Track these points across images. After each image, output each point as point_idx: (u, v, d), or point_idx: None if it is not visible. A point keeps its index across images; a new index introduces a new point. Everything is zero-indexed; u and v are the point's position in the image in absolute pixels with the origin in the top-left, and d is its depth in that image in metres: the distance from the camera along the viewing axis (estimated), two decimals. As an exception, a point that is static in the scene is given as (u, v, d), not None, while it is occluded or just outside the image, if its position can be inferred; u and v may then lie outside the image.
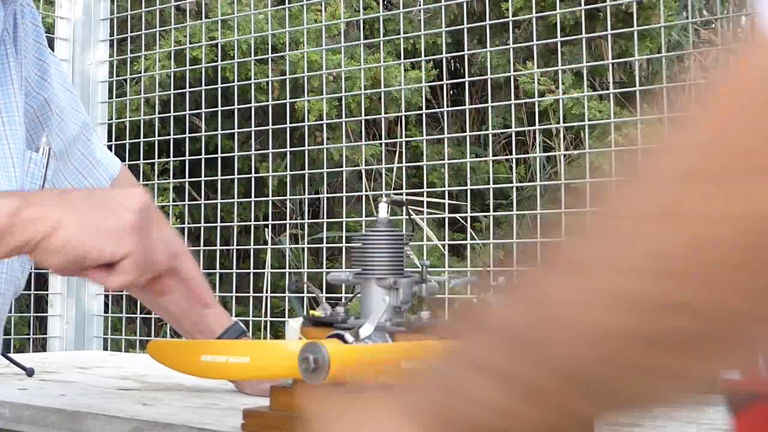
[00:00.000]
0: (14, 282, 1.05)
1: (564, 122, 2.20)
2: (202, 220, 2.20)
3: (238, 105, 2.19)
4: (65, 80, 1.22)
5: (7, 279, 1.04)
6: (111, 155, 1.35)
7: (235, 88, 2.19)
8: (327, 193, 2.62)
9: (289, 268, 2.41)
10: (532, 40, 1.88)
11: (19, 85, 1.07)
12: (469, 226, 2.07)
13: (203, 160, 2.18)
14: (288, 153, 2.15)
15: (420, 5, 2.64)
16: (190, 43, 2.31)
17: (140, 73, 2.42)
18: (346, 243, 2.04)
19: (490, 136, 2.33)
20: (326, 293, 1.37)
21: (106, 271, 0.85)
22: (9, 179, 1.02)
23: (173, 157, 2.22)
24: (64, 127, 1.19)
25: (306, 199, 2.25)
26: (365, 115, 2.18)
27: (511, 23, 2.20)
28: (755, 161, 0.36)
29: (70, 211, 0.84)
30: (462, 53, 1.97)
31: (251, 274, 2.10)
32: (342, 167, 2.29)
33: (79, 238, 0.83)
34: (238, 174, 2.20)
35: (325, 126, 2.24)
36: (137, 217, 0.86)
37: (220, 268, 2.12)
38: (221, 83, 2.19)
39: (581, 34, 1.80)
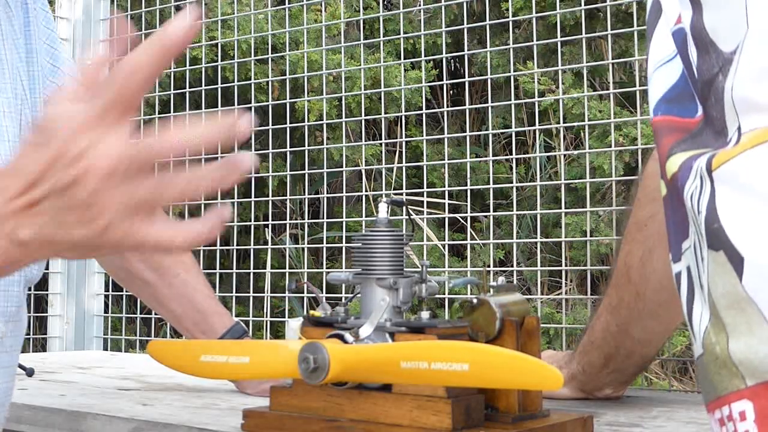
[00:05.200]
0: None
1: (564, 122, 2.20)
2: (202, 220, 2.20)
3: (238, 105, 2.19)
4: (72, 69, 1.22)
5: None
6: None
7: (235, 88, 2.19)
8: (327, 193, 2.62)
9: (289, 268, 2.41)
10: (532, 40, 1.88)
11: (25, 66, 1.06)
12: (469, 226, 2.07)
13: (203, 160, 2.18)
14: (288, 153, 2.15)
15: (420, 5, 2.64)
16: (190, 43, 2.31)
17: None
18: (346, 243, 2.04)
19: (490, 136, 2.33)
20: (326, 293, 1.37)
21: None
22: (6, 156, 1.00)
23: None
24: None
25: (306, 199, 2.25)
26: (365, 115, 2.18)
27: (511, 23, 2.20)
28: None
29: None
30: (462, 53, 1.97)
31: (251, 274, 2.11)
32: (342, 167, 2.29)
33: None
34: (238, 174, 2.19)
35: (325, 126, 2.24)
36: None
37: (220, 268, 2.12)
38: (221, 83, 2.19)
39: (581, 34, 1.79)
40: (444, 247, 2.08)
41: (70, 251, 0.64)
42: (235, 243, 2.28)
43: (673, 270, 0.70)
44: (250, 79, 2.21)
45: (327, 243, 2.20)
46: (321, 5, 2.41)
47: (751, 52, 0.63)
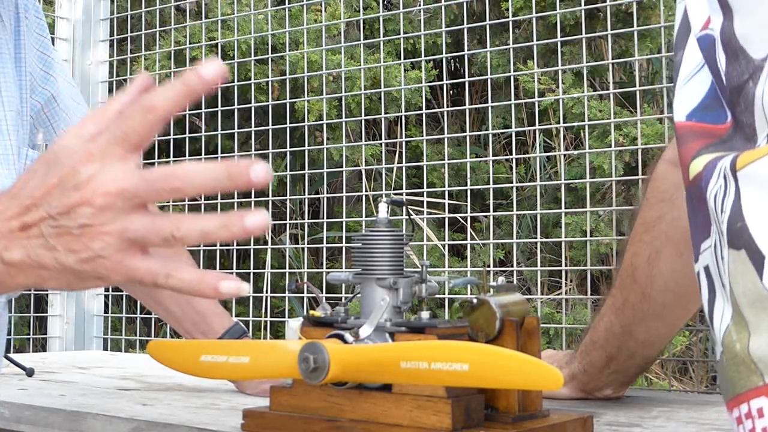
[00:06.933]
0: None
1: (564, 122, 2.20)
2: (202, 220, 2.20)
3: (238, 105, 2.19)
4: (66, 74, 1.22)
5: None
6: None
7: (235, 88, 2.19)
8: (327, 193, 2.62)
9: (289, 268, 2.41)
10: (532, 40, 1.88)
11: (15, 78, 1.06)
12: (469, 226, 2.07)
13: (203, 161, 2.18)
14: (288, 153, 2.15)
15: (420, 5, 2.64)
16: (190, 44, 2.31)
17: (140, 73, 2.41)
18: (346, 243, 2.04)
19: (490, 136, 2.33)
20: (326, 293, 1.37)
21: None
22: (10, 175, 1.01)
23: (173, 157, 2.22)
24: (70, 122, 1.19)
25: (306, 199, 2.24)
26: (365, 115, 2.18)
27: (511, 23, 2.19)
28: None
29: None
30: (462, 53, 1.97)
31: (251, 274, 2.10)
32: (342, 167, 2.29)
33: None
34: (238, 174, 2.19)
35: (325, 126, 2.24)
36: None
37: (220, 268, 2.12)
38: (221, 83, 2.18)
39: (581, 34, 1.79)
40: (444, 247, 2.08)
41: (55, 279, 0.64)
42: (234, 243, 2.27)
43: (695, 270, 0.70)
44: (250, 80, 2.21)
45: (327, 243, 2.20)
46: (321, 5, 2.41)
47: None
